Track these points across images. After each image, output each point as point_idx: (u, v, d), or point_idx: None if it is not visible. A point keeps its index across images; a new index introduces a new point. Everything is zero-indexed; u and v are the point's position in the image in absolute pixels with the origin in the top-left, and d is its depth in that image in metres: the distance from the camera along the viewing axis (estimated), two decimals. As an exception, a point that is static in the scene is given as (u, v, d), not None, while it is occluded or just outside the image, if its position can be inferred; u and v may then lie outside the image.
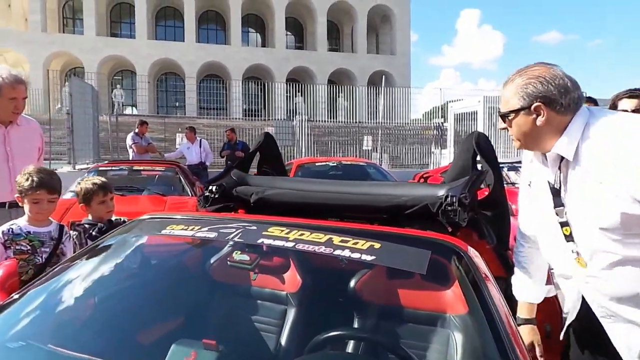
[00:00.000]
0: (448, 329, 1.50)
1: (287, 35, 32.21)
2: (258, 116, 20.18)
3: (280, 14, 30.55)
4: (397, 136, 14.79)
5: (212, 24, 33.38)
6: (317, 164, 6.68)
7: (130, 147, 7.49)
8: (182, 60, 28.19)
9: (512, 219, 2.09)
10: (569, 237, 1.34)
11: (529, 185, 1.50)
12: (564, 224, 1.34)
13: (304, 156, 11.39)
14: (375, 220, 2.21)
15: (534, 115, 1.31)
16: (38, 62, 25.34)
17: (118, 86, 25.05)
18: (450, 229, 2.14)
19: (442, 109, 14.68)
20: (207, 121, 16.94)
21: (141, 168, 5.63)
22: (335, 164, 6.42)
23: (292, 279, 1.82)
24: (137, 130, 7.60)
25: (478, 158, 2.07)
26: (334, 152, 13.30)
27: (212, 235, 1.43)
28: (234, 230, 1.44)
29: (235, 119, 20.22)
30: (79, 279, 1.44)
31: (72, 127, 7.92)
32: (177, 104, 29.77)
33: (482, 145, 2.03)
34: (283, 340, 1.61)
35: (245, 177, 2.27)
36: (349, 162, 7.04)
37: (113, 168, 5.66)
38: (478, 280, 1.34)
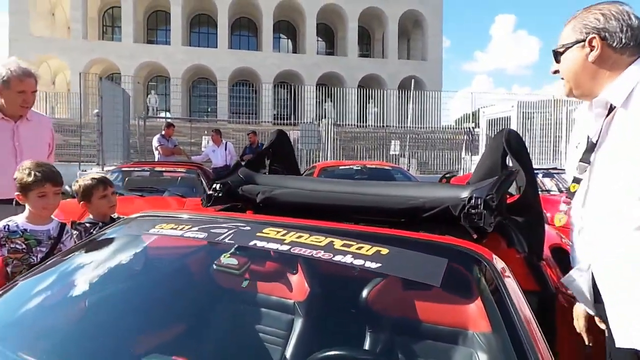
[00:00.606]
0: (471, 348, 1.32)
1: (317, 41, 32.32)
2: (290, 123, 20.26)
3: (311, 20, 30.68)
4: (426, 141, 14.44)
5: (245, 31, 33.92)
6: (340, 167, 6.52)
7: (156, 149, 7.54)
8: (214, 66, 28.71)
9: (546, 227, 1.88)
10: (570, 194, 1.25)
11: (577, 147, 1.35)
12: (575, 180, 1.24)
13: (330, 160, 11.25)
14: (391, 224, 2.03)
15: (588, 50, 1.17)
16: (78, 68, 26.34)
17: (152, 91, 25.77)
18: (475, 236, 1.94)
19: (473, 115, 14.28)
20: (237, 125, 17.09)
21: (163, 169, 5.63)
22: (359, 168, 6.24)
23: (300, 286, 1.68)
24: (163, 133, 7.65)
25: (510, 163, 1.86)
26: (360, 156, 13.09)
27: (202, 235, 1.29)
28: (226, 230, 1.30)
29: (265, 122, 20.38)
30: (59, 280, 1.33)
31: (102, 129, 8.07)
32: (209, 109, 30.31)
33: (512, 144, 1.83)
34: (288, 353, 1.46)
35: (253, 175, 2.14)
36: (373, 166, 6.81)
37: (135, 169, 5.69)
38: (503, 294, 1.15)
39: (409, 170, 10.37)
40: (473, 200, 1.47)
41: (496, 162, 1.92)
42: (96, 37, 30.95)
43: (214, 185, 1.95)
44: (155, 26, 32.97)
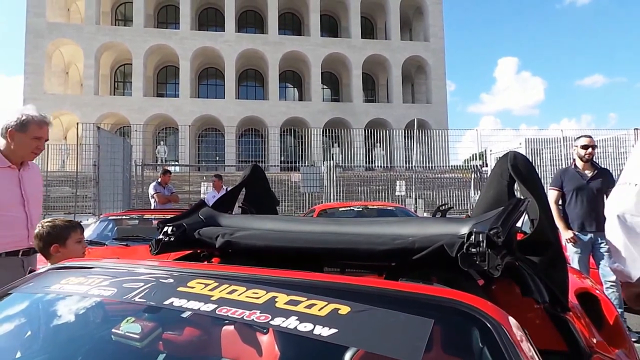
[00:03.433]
0: None
1: (323, 88, 32.97)
2: (296, 167, 20.29)
3: (316, 69, 31.44)
4: (432, 181, 14.12)
5: (252, 81, 34.85)
6: (340, 208, 6.17)
7: (152, 196, 7.33)
8: (222, 116, 29.22)
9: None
10: None
11: None
12: None
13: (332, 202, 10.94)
14: (379, 269, 1.69)
15: None
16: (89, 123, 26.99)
17: (162, 142, 26.15)
18: (481, 282, 1.59)
19: (481, 155, 14.07)
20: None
21: (152, 217, 5.34)
22: (360, 209, 5.88)
23: (270, 349, 1.34)
24: (159, 180, 7.47)
25: (519, 193, 1.55)
26: (365, 199, 12.79)
27: (109, 292, 0.97)
28: (142, 285, 0.98)
29: (273, 166, 20.39)
30: None
31: (98, 178, 7.93)
32: (217, 158, 30.57)
33: (520, 168, 1.52)
34: None
35: (216, 216, 1.83)
36: (375, 207, 6.45)
37: (123, 217, 5.42)
38: None
39: (415, 211, 9.99)
40: (473, 237, 1.15)
41: (502, 192, 1.61)
42: (108, 92, 31.97)
43: (165, 228, 1.65)
44: (164, 80, 34.04)
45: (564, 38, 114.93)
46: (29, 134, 2.37)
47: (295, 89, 35.73)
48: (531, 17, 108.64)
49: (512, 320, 0.90)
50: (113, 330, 1.03)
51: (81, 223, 2.43)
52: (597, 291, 1.94)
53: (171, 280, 1.00)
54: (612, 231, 1.47)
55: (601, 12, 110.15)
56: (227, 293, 0.92)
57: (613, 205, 1.48)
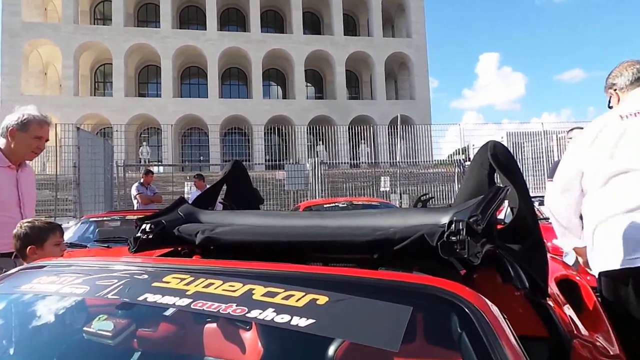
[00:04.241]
0: None
1: (307, 86, 32.90)
2: (281, 165, 20.27)
3: (300, 67, 31.36)
4: (417, 176, 14.24)
5: (235, 80, 34.57)
6: (325, 205, 6.19)
7: (135, 197, 7.23)
8: (206, 116, 28.94)
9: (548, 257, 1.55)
10: None
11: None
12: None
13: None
14: (362, 262, 1.69)
15: None
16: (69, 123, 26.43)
17: (144, 143, 25.80)
18: (463, 271, 1.60)
19: (464, 151, 14.23)
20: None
21: (135, 218, 5.25)
22: (344, 204, 5.91)
23: (253, 345, 1.32)
24: (142, 180, 7.37)
25: (499, 182, 1.56)
26: (350, 195, 12.84)
27: (81, 290, 0.94)
28: (115, 281, 0.95)
29: (257, 164, 20.30)
30: None
31: (79, 180, 7.78)
32: (201, 157, 30.29)
33: (500, 158, 1.52)
34: None
35: (196, 213, 1.81)
36: (360, 202, 6.49)
37: (104, 218, 5.33)
38: (496, 353, 0.79)
39: (400, 206, 10.08)
40: (454, 225, 1.15)
41: (482, 181, 1.62)
42: (88, 93, 31.35)
43: (143, 226, 1.61)
44: (146, 80, 33.54)
45: (543, 33, 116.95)
46: (30, 133, 2.37)
47: (279, 87, 35.59)
48: (511, 12, 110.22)
49: (490, 304, 0.90)
50: (85, 328, 1.00)
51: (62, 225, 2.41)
52: (577, 278, 1.96)
53: (146, 276, 0.97)
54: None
55: (580, 7, 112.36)
56: (203, 287, 0.90)
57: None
